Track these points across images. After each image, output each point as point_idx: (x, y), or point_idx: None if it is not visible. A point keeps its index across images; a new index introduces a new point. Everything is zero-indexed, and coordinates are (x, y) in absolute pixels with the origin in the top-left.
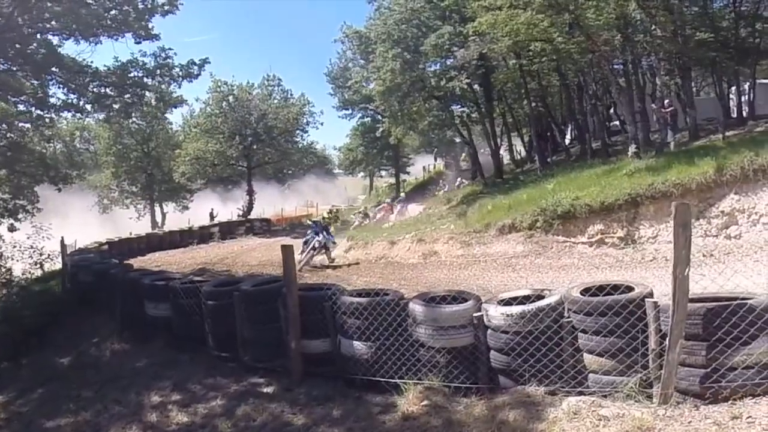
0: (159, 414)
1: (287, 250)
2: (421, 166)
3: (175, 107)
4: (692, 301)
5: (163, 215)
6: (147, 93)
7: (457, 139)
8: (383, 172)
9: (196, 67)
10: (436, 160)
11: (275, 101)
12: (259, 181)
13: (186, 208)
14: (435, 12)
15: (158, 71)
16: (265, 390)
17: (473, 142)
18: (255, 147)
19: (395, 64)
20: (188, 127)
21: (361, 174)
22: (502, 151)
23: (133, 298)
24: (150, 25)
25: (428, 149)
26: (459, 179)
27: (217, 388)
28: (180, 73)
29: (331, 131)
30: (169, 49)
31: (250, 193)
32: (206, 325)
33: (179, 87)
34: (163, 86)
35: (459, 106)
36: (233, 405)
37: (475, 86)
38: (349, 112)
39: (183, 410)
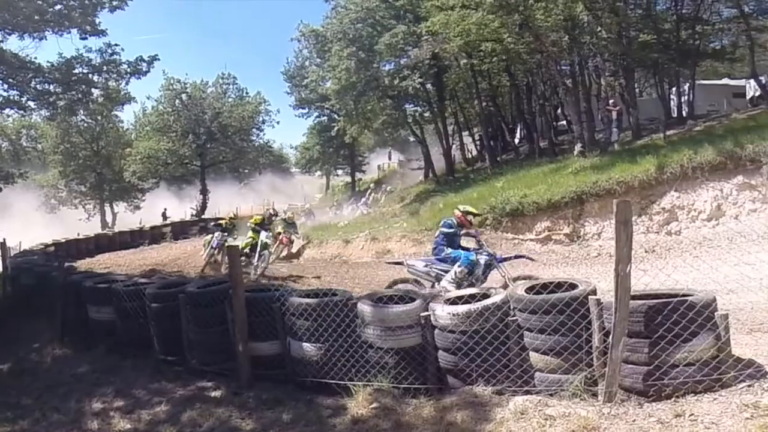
0: (100, 421)
1: (233, 252)
2: (376, 165)
3: (124, 105)
4: (634, 298)
5: (114, 215)
6: (93, 90)
7: (411, 138)
8: (340, 171)
9: (144, 64)
10: (390, 158)
11: (230, 99)
12: (215, 180)
13: (138, 208)
14: (390, 11)
15: (105, 68)
16: (212, 394)
17: (426, 141)
18: (209, 145)
19: (350, 63)
20: (140, 126)
21: (318, 173)
22: (453, 150)
23: (76, 301)
24: (97, 21)
25: (384, 148)
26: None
27: (162, 393)
28: (128, 70)
29: (287, 130)
30: (116, 45)
31: (204, 192)
32: (151, 328)
33: (127, 84)
34: (110, 83)
35: (412, 105)
36: (178, 410)
37: (428, 86)
38: (306, 110)
39: (126, 417)
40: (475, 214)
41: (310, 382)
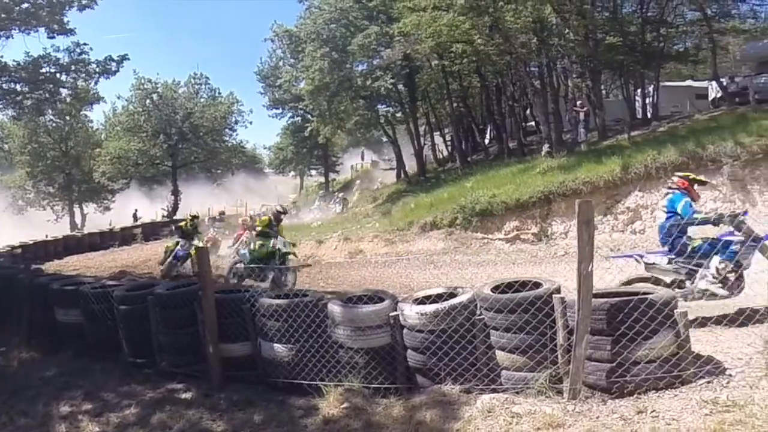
0: (68, 425)
1: (202, 253)
2: (350, 165)
3: (93, 105)
4: (597, 296)
5: (83, 216)
6: (62, 89)
7: (384, 139)
8: (313, 171)
9: (114, 64)
10: (363, 159)
11: (202, 99)
12: (187, 181)
13: (108, 209)
14: (363, 12)
15: (73, 67)
16: (182, 396)
17: (398, 142)
18: (180, 146)
19: (324, 63)
20: (110, 126)
21: (292, 173)
22: (425, 151)
23: (43, 304)
24: (65, 20)
25: (357, 148)
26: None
27: (131, 396)
28: (97, 70)
29: (261, 130)
30: (85, 44)
31: (175, 193)
32: (120, 331)
33: (96, 84)
34: (78, 83)
35: (384, 105)
36: (148, 413)
37: (400, 86)
38: (280, 111)
39: (94, 420)
40: (702, 182)
41: (281, 382)
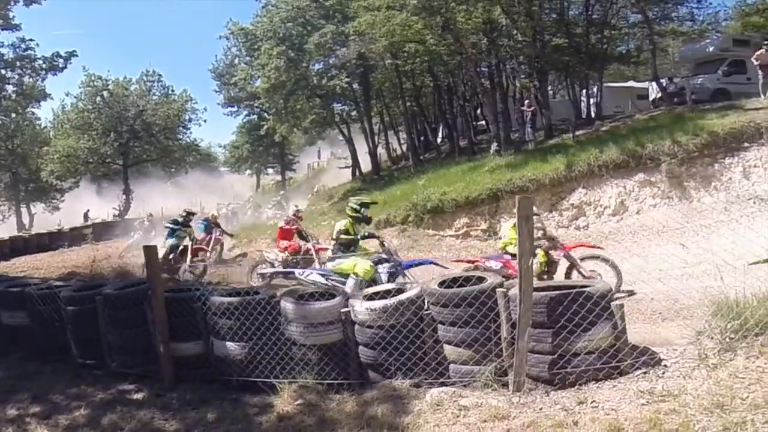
0: (16, 428)
1: (150, 251)
2: (307, 163)
3: (40, 102)
4: (537, 290)
5: (31, 217)
6: (7, 86)
7: (340, 137)
8: (270, 170)
9: (61, 60)
10: (320, 157)
11: (155, 97)
12: (139, 180)
13: (57, 208)
14: (319, 11)
15: (18, 63)
16: (134, 397)
17: (353, 140)
18: (132, 144)
19: (280, 61)
20: (58, 123)
21: (248, 172)
22: (380, 149)
23: None
24: (10, 15)
25: (314, 146)
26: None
27: (81, 398)
28: (43, 66)
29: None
30: (31, 40)
31: (127, 192)
32: (68, 332)
33: (43, 80)
34: (24, 79)
35: (340, 104)
36: (99, 414)
37: (355, 85)
38: (235, 109)
39: (43, 422)
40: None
41: (235, 381)
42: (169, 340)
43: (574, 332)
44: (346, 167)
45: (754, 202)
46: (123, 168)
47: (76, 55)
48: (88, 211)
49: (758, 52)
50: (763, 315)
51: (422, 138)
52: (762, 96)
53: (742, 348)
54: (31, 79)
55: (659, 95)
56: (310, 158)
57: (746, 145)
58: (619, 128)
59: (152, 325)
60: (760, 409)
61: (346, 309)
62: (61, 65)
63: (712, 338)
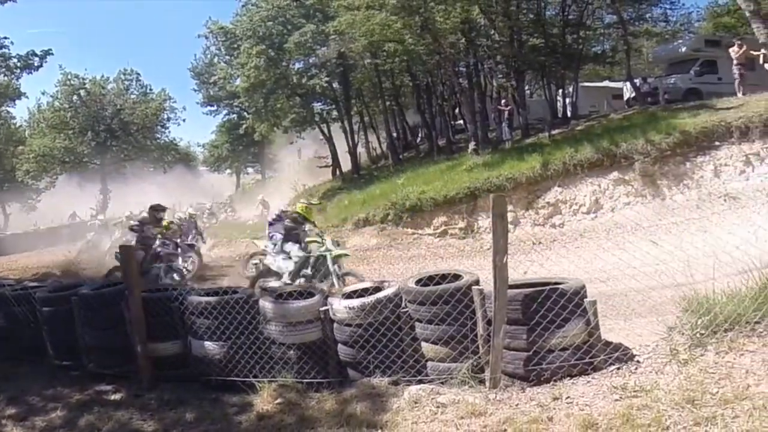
0: None
1: (127, 252)
2: (287, 163)
3: (15, 100)
4: (512, 287)
5: (6, 216)
6: None
7: (320, 137)
8: (250, 169)
9: (36, 59)
10: (300, 156)
11: (132, 96)
12: (116, 179)
13: (33, 209)
14: (300, 10)
15: None
16: (111, 397)
17: (333, 139)
18: (110, 143)
19: (260, 60)
20: (34, 122)
21: (228, 171)
22: (360, 148)
23: None
24: None
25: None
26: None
27: (57, 399)
28: (18, 64)
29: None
30: (5, 38)
31: (105, 191)
32: (44, 333)
33: (18, 79)
34: None
35: (320, 103)
36: (75, 415)
37: (335, 84)
38: (215, 108)
39: (19, 424)
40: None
41: (214, 380)
42: (147, 340)
43: (549, 329)
44: (326, 166)
45: (725, 200)
46: (100, 167)
47: (52, 54)
48: (74, 213)
49: (732, 49)
50: (731, 311)
51: (400, 137)
52: (738, 93)
53: (712, 343)
54: (5, 78)
55: (633, 95)
56: (291, 157)
57: (717, 143)
58: (594, 127)
59: (130, 326)
60: (729, 404)
61: (324, 307)
62: (36, 64)
63: (682, 334)
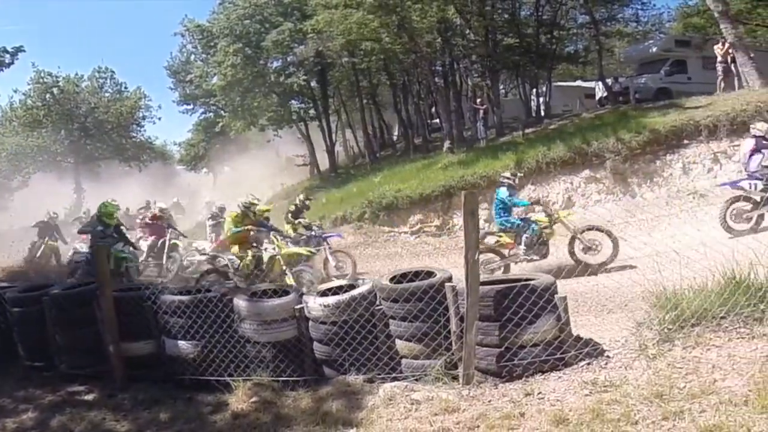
0: None
1: (100, 251)
2: (264, 162)
3: None
4: (484, 284)
5: None
6: None
7: (298, 136)
8: (227, 168)
9: (7, 56)
10: (278, 155)
11: (107, 94)
12: (89, 179)
13: (6, 208)
14: (278, 8)
15: None
16: (84, 398)
17: (311, 138)
18: (84, 142)
19: (236, 59)
20: (6, 121)
21: (204, 170)
22: (337, 147)
23: None
24: None
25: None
26: None
27: (29, 400)
28: None
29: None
30: None
31: (79, 190)
32: (15, 334)
33: None
34: None
35: (297, 102)
36: (47, 416)
37: (313, 83)
38: (191, 107)
39: None
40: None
41: (188, 380)
42: (120, 340)
43: (520, 325)
44: (303, 165)
45: (693, 197)
46: (74, 166)
47: (24, 51)
48: (56, 214)
49: (716, 47)
50: (698, 306)
51: (377, 136)
52: (718, 91)
53: (679, 338)
54: None
55: (605, 94)
56: (269, 156)
57: (686, 142)
58: (567, 126)
59: (102, 325)
60: (696, 399)
61: (300, 305)
62: (7, 61)
63: (651, 329)
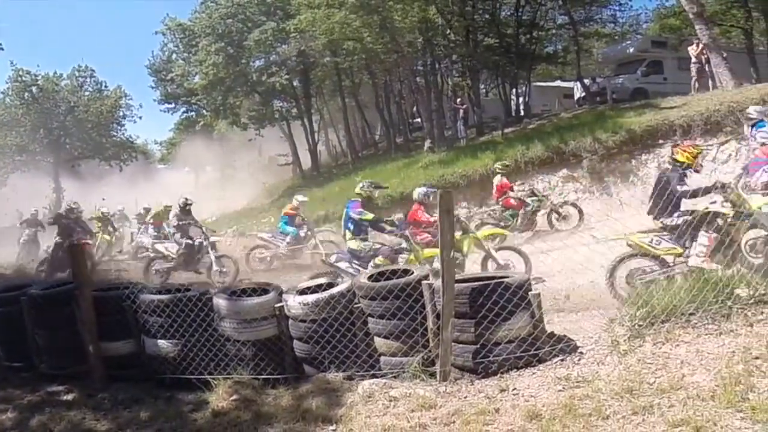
0: None
1: (76, 250)
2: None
3: None
4: (459, 281)
5: None
6: None
7: (281, 135)
8: (208, 167)
9: None
10: (260, 154)
11: (87, 93)
12: (69, 178)
13: None
14: (260, 8)
15: None
16: (64, 398)
17: (293, 137)
18: (63, 141)
19: (218, 58)
20: None
21: (186, 169)
22: (320, 146)
23: None
24: None
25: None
26: None
27: (8, 401)
28: None
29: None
30: None
31: (58, 190)
32: None
33: None
34: None
35: (280, 101)
36: (26, 417)
37: (295, 82)
38: (172, 106)
39: None
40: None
41: (168, 379)
42: (99, 340)
43: (495, 321)
44: (286, 164)
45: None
46: (53, 165)
47: (2, 49)
48: (36, 211)
49: (690, 48)
50: (668, 302)
51: (359, 135)
52: (692, 91)
53: (650, 334)
54: None
55: (583, 94)
56: (251, 155)
57: (661, 141)
58: (546, 126)
59: (81, 325)
60: (665, 394)
61: (279, 304)
62: None
63: (623, 325)
